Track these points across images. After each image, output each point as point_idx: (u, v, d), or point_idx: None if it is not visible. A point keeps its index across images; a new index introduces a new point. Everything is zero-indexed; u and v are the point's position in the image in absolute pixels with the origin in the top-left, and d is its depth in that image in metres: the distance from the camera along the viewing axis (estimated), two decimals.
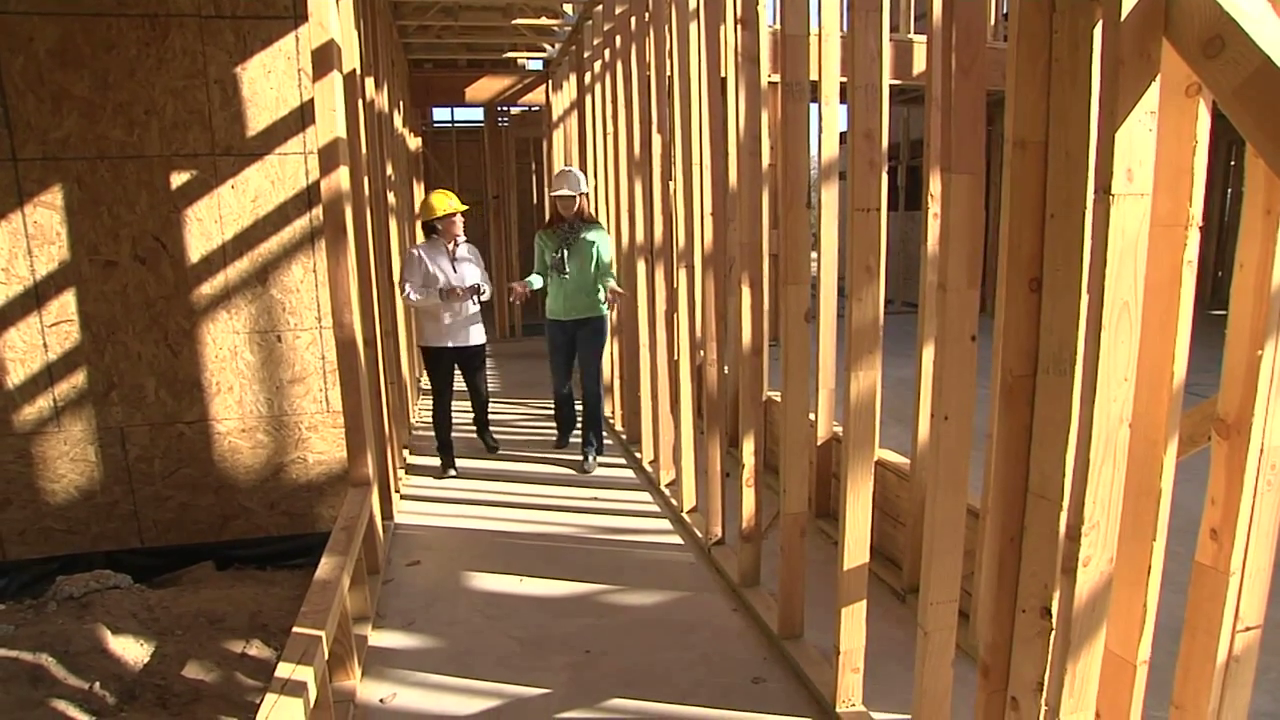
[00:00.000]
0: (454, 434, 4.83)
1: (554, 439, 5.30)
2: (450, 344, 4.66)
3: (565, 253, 4.59)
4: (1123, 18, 1.23)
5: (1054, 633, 1.50)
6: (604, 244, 4.63)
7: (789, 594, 2.74)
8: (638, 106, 4.34)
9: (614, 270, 4.67)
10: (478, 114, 10.20)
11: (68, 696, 2.58)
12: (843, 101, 2.95)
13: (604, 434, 5.05)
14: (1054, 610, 1.54)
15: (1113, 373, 1.33)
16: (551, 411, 5.36)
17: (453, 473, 4.75)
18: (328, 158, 3.02)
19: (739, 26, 2.76)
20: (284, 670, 2.01)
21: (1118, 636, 1.71)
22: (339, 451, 3.84)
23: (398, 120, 5.95)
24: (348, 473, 3.29)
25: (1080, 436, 1.37)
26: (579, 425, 5.08)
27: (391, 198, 5.23)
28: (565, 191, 4.55)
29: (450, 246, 4.62)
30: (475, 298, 4.64)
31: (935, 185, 2.73)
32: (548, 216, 4.91)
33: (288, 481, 3.91)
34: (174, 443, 3.75)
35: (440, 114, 10.66)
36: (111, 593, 3.19)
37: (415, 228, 7.76)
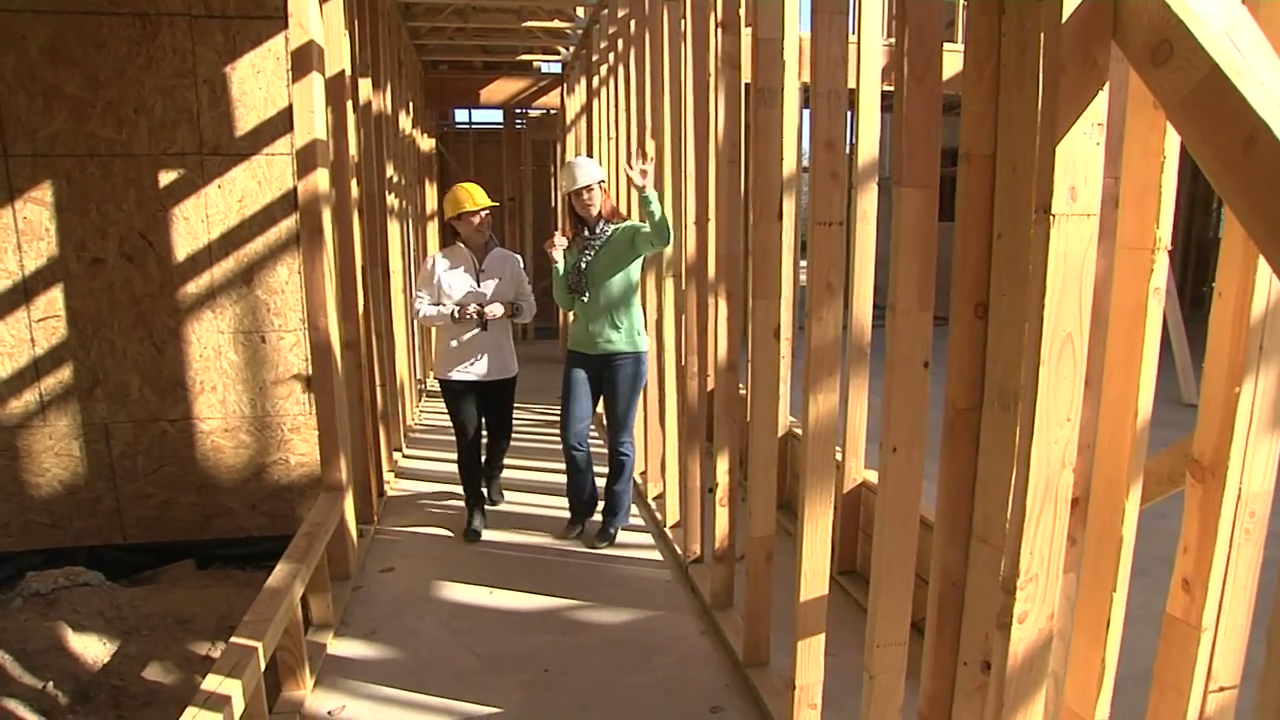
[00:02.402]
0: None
1: (539, 460, 4.94)
2: (467, 377, 3.69)
3: (586, 267, 3.48)
4: (1064, 19, 1.12)
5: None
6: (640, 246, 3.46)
7: (754, 620, 2.63)
8: (635, 112, 4.27)
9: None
10: (497, 116, 10.22)
11: (19, 696, 2.57)
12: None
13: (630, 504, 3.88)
14: None
15: (1053, 412, 1.21)
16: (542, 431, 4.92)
17: (476, 531, 3.85)
18: (306, 159, 2.99)
19: (719, 30, 2.66)
20: (211, 682, 1.96)
21: (1076, 692, 1.58)
22: None
23: (405, 121, 5.94)
24: None
25: (1018, 481, 1.26)
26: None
27: (393, 199, 5.22)
28: (579, 184, 3.44)
29: (472, 254, 3.72)
30: (509, 317, 3.71)
31: None
32: (561, 223, 4.02)
33: (269, 482, 3.89)
34: (157, 440, 3.75)
35: (459, 115, 10.69)
36: (80, 590, 3.19)
37: (426, 229, 7.78)
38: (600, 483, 3.88)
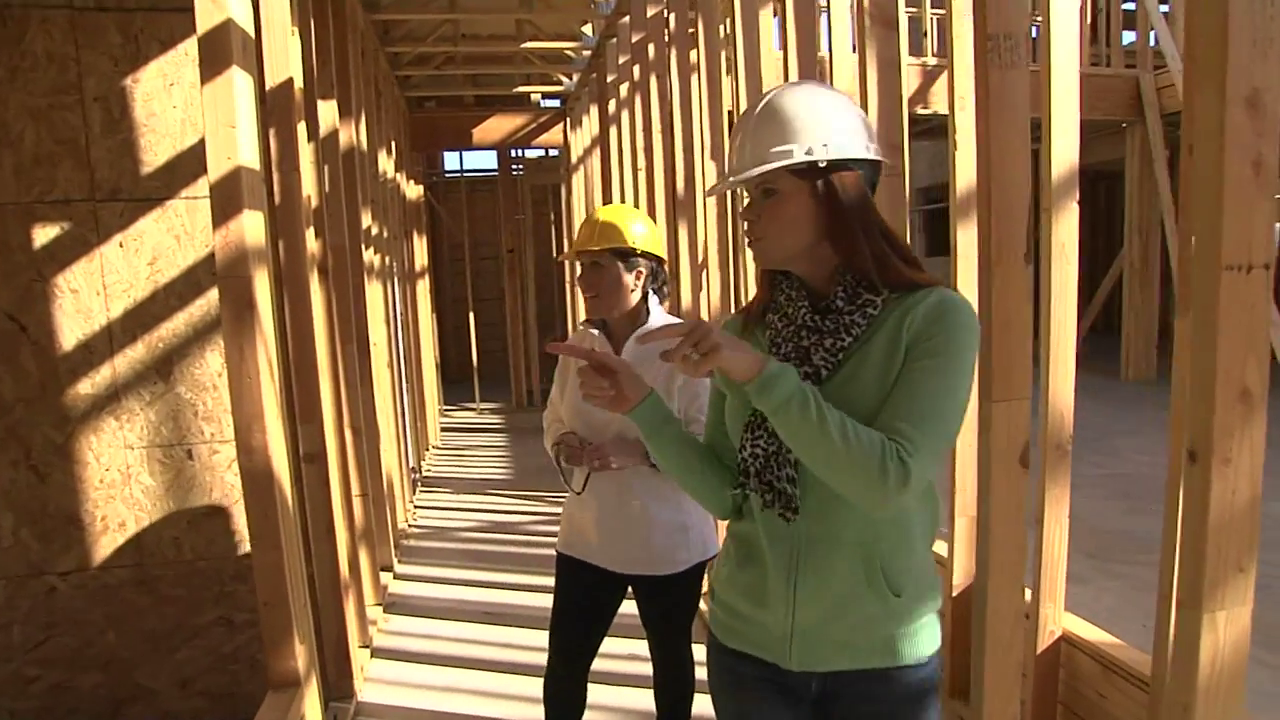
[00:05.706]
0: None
1: None
2: (592, 560, 2.02)
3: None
4: None
5: None
6: (955, 363, 1.02)
7: None
8: (679, 129, 3.31)
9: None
10: (490, 162, 9.39)
11: None
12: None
13: None
14: None
15: None
16: None
17: None
18: (224, 198, 1.97)
19: None
20: None
21: None
22: None
23: (386, 163, 4.99)
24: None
25: None
26: None
27: (372, 255, 4.23)
28: (754, 167, 1.08)
29: (605, 335, 1.97)
30: (642, 464, 1.88)
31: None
32: (753, 285, 1.44)
33: (206, 650, 2.80)
34: (41, 602, 2.67)
35: (450, 162, 9.86)
36: None
37: (415, 290, 6.77)
38: None
